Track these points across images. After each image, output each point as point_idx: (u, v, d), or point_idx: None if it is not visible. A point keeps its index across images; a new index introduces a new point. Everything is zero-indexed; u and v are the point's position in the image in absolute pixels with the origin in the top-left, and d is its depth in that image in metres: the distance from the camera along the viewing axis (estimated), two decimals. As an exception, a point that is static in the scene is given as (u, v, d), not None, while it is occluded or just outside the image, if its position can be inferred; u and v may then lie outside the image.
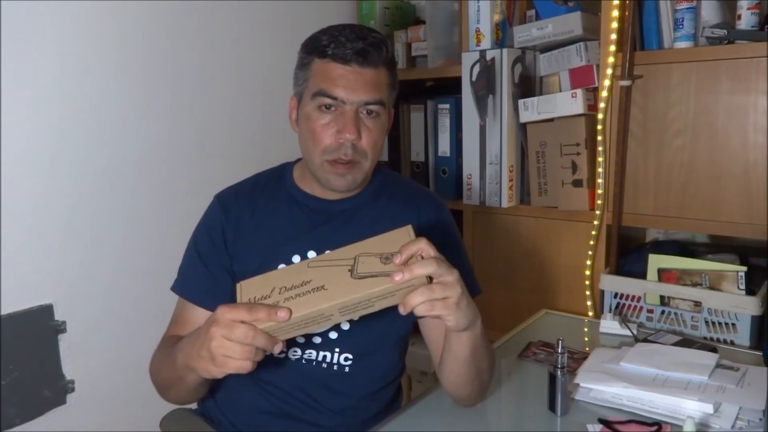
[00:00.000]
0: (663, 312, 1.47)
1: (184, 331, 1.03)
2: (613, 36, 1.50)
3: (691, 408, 1.02)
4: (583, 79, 1.60)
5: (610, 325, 1.42)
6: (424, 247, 0.80)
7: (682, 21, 1.42)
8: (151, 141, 1.47)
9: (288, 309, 0.77)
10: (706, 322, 1.41)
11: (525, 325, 1.52)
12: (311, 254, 1.05)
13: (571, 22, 1.56)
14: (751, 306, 1.35)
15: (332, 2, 1.93)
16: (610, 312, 1.51)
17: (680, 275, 1.46)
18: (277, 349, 0.79)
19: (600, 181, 1.57)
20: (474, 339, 0.91)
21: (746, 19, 1.36)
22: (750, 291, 1.38)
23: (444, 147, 1.83)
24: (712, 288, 1.42)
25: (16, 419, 1.26)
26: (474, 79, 1.69)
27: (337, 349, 1.05)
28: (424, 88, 2.06)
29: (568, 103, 1.58)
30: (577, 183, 1.60)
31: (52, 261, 1.31)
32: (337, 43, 0.96)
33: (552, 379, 1.06)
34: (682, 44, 1.44)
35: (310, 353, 1.04)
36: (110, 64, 1.38)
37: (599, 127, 1.55)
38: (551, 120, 1.62)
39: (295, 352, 1.04)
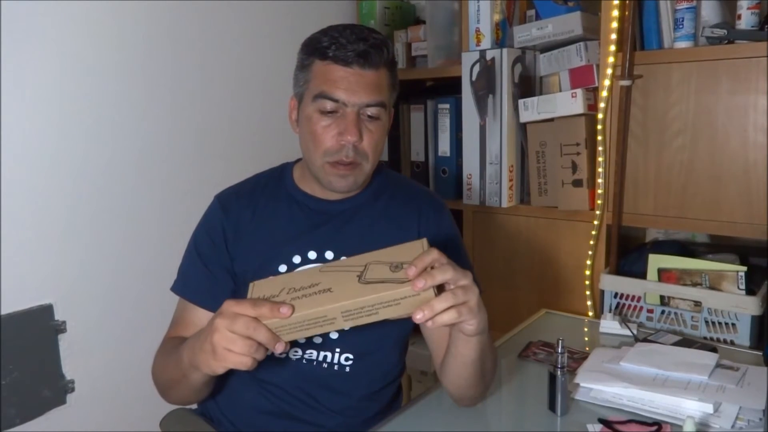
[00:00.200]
0: (663, 312, 1.47)
1: (185, 331, 1.03)
2: (613, 36, 1.50)
3: (691, 408, 1.02)
4: (583, 79, 1.60)
5: (610, 325, 1.42)
6: (438, 257, 0.79)
7: (682, 21, 1.42)
8: (151, 141, 1.48)
9: (291, 306, 0.77)
10: (706, 322, 1.41)
11: (525, 325, 1.52)
12: (311, 254, 1.05)
13: (571, 22, 1.56)
14: (751, 306, 1.35)
15: (332, 2, 1.93)
16: (610, 312, 1.51)
17: (680, 275, 1.46)
18: (279, 348, 0.78)
19: (600, 181, 1.57)
20: (482, 342, 0.91)
21: (746, 19, 1.36)
22: (750, 291, 1.38)
23: (444, 147, 1.83)
24: (712, 288, 1.42)
25: (16, 419, 1.27)
26: (474, 78, 1.69)
27: (337, 349, 1.05)
28: (424, 88, 2.06)
29: (568, 103, 1.58)
30: (577, 183, 1.60)
31: (52, 261, 1.31)
32: (338, 45, 0.96)
33: (552, 378, 1.06)
34: (682, 44, 1.44)
35: (311, 353, 1.04)
36: (110, 64, 1.38)
37: (599, 126, 1.55)
38: (551, 120, 1.62)
39: (296, 352, 1.04)
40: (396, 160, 1.97)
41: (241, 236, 1.06)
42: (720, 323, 1.40)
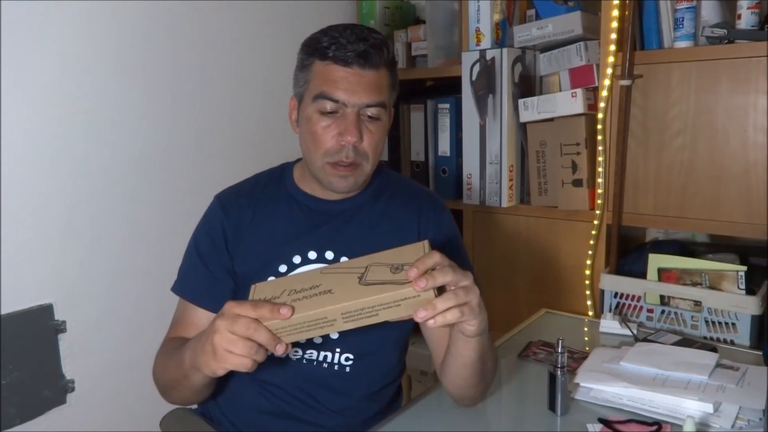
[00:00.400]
0: (663, 312, 1.47)
1: (186, 332, 1.03)
2: (613, 36, 1.50)
3: (691, 408, 1.02)
4: (583, 78, 1.60)
5: (610, 324, 1.42)
6: (439, 260, 0.79)
7: (682, 21, 1.42)
8: (151, 141, 1.47)
9: (291, 307, 0.77)
10: (706, 321, 1.41)
11: (525, 325, 1.52)
12: (312, 255, 1.05)
13: (571, 22, 1.56)
14: (751, 306, 1.35)
15: (332, 2, 1.93)
16: (610, 312, 1.51)
17: (680, 275, 1.46)
18: (280, 349, 0.78)
19: (600, 180, 1.57)
20: (482, 342, 0.91)
21: (746, 19, 1.36)
22: (750, 291, 1.38)
23: (444, 147, 1.83)
24: (712, 288, 1.42)
25: (16, 419, 1.27)
26: (474, 78, 1.69)
27: (337, 349, 1.05)
28: (424, 88, 2.06)
29: (568, 102, 1.58)
30: (577, 183, 1.60)
31: (52, 261, 1.31)
32: (338, 45, 0.96)
33: (552, 378, 1.06)
34: (682, 44, 1.44)
35: (311, 353, 1.04)
36: (110, 64, 1.38)
37: (599, 126, 1.55)
38: (551, 120, 1.62)
39: (296, 352, 1.04)
40: (396, 160, 1.97)
41: (241, 236, 1.06)
42: (720, 323, 1.40)
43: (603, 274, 1.56)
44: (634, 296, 1.50)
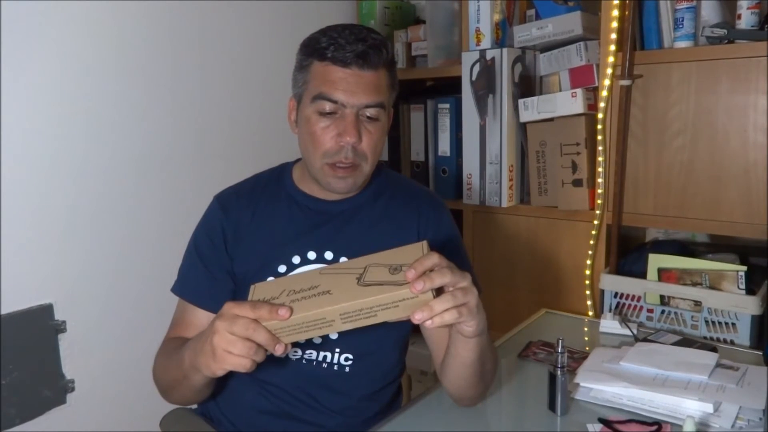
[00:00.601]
0: (663, 312, 1.47)
1: (185, 332, 1.04)
2: (613, 36, 1.50)
3: (691, 407, 1.02)
4: (583, 78, 1.60)
5: (610, 324, 1.42)
6: (438, 261, 0.79)
7: (682, 21, 1.42)
8: (151, 141, 1.47)
9: (289, 308, 0.77)
10: (706, 321, 1.41)
11: (525, 325, 1.52)
12: (311, 255, 1.05)
13: (571, 22, 1.56)
14: (751, 306, 1.35)
15: (332, 2, 1.93)
16: (610, 312, 1.51)
17: (680, 275, 1.46)
18: (279, 350, 0.78)
19: (600, 180, 1.57)
20: (481, 343, 0.91)
21: (746, 19, 1.36)
22: (750, 291, 1.38)
23: (444, 147, 1.83)
24: (712, 288, 1.42)
25: (16, 419, 1.27)
26: (474, 78, 1.69)
27: (337, 349, 1.05)
28: (424, 88, 2.06)
29: (568, 102, 1.58)
30: (577, 183, 1.60)
31: (52, 261, 1.31)
32: (336, 46, 0.96)
33: (552, 378, 1.06)
34: (682, 44, 1.44)
35: (311, 353, 1.04)
36: (110, 64, 1.38)
37: (599, 126, 1.55)
38: (551, 120, 1.62)
39: (296, 352, 1.04)
40: (396, 160, 1.97)
41: (240, 237, 1.06)
42: (720, 323, 1.40)
43: (603, 274, 1.56)
44: (634, 296, 1.50)
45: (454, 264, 0.82)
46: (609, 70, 1.52)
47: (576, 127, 1.58)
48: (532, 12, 1.72)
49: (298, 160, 1.12)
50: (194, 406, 1.15)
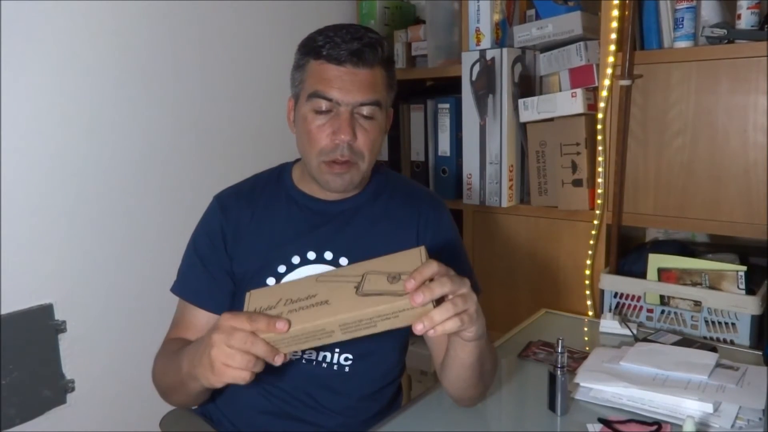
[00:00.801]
0: (663, 311, 1.47)
1: (185, 332, 1.04)
2: (613, 36, 1.50)
3: (691, 407, 1.02)
4: (583, 78, 1.60)
5: (610, 324, 1.42)
6: (437, 270, 0.77)
7: (682, 21, 1.42)
8: (151, 141, 1.47)
9: (287, 321, 0.76)
10: (706, 321, 1.41)
11: (525, 325, 1.52)
12: (311, 255, 1.05)
13: (571, 22, 1.56)
14: (751, 306, 1.35)
15: (332, 2, 1.93)
16: (610, 312, 1.51)
17: (680, 275, 1.46)
18: (278, 360, 0.78)
19: (600, 180, 1.57)
20: (480, 345, 0.91)
21: (746, 19, 1.36)
22: (750, 291, 1.38)
23: (444, 147, 1.83)
24: (712, 288, 1.42)
25: (16, 419, 1.27)
26: (474, 78, 1.69)
27: (337, 350, 1.05)
28: (424, 88, 2.06)
29: (568, 102, 1.58)
30: (577, 183, 1.60)
31: (52, 261, 1.31)
32: (332, 44, 0.96)
33: (552, 378, 1.06)
34: (682, 44, 1.44)
35: (310, 353, 1.04)
36: (110, 64, 1.38)
37: (599, 126, 1.55)
38: (551, 120, 1.62)
39: (295, 352, 1.04)
40: (396, 160, 1.97)
41: (240, 237, 1.06)
42: (720, 323, 1.40)
43: (603, 274, 1.56)
44: (634, 296, 1.50)
45: (454, 266, 0.81)
46: (609, 70, 1.52)
47: (576, 127, 1.58)
48: (532, 12, 1.72)
49: (298, 160, 1.12)
50: (194, 406, 1.15)
